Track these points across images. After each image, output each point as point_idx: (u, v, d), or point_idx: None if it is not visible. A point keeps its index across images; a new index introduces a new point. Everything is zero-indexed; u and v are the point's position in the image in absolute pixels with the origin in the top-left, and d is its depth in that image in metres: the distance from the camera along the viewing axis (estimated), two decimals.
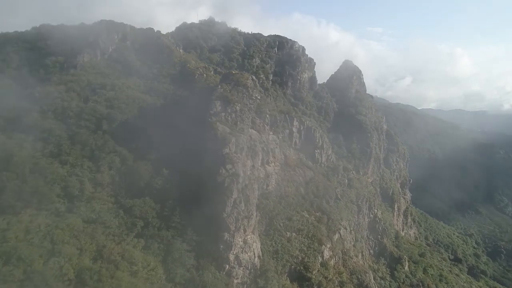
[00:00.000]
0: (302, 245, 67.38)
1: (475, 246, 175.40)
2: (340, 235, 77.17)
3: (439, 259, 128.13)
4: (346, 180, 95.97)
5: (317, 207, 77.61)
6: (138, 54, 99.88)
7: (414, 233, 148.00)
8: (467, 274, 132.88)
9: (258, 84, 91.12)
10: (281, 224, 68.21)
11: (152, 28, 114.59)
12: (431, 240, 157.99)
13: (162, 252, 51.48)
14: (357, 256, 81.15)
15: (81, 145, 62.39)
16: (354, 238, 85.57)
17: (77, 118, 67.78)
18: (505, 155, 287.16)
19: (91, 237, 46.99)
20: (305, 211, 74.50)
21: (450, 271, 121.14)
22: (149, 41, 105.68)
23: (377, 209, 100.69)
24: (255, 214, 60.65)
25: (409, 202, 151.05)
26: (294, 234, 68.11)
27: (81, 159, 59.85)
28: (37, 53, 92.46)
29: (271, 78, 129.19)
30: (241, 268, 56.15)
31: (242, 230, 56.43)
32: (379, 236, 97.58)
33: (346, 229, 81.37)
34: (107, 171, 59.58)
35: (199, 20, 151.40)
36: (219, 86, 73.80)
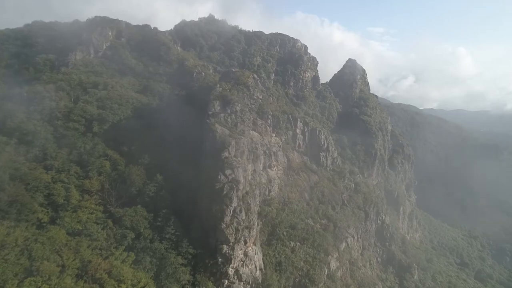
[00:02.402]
0: (307, 255, 63.87)
1: (480, 248, 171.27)
2: (347, 243, 73.03)
3: (446, 263, 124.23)
4: (353, 185, 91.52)
5: (323, 214, 73.61)
6: (133, 52, 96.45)
7: (419, 236, 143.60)
8: (474, 279, 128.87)
9: (259, 83, 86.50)
10: (285, 233, 64.27)
11: (149, 25, 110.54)
12: (436, 243, 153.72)
13: (155, 267, 48.24)
14: (365, 266, 76.77)
15: (69, 149, 58.76)
16: (361, 246, 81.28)
17: (65, 119, 63.92)
18: (509, 155, 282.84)
19: (75, 251, 42.93)
20: (310, 218, 70.49)
21: (458, 276, 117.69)
22: (145, 38, 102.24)
23: (384, 215, 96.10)
24: (256, 224, 56.50)
25: (414, 205, 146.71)
26: (298, 243, 64.20)
27: (68, 164, 56.12)
28: (29, 51, 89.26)
29: (273, 77, 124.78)
30: (242, 283, 52.53)
31: (242, 242, 52.53)
32: (387, 243, 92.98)
33: (354, 237, 77.17)
34: (96, 177, 56.05)
35: (199, 18, 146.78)
36: (218, 85, 69.91)
